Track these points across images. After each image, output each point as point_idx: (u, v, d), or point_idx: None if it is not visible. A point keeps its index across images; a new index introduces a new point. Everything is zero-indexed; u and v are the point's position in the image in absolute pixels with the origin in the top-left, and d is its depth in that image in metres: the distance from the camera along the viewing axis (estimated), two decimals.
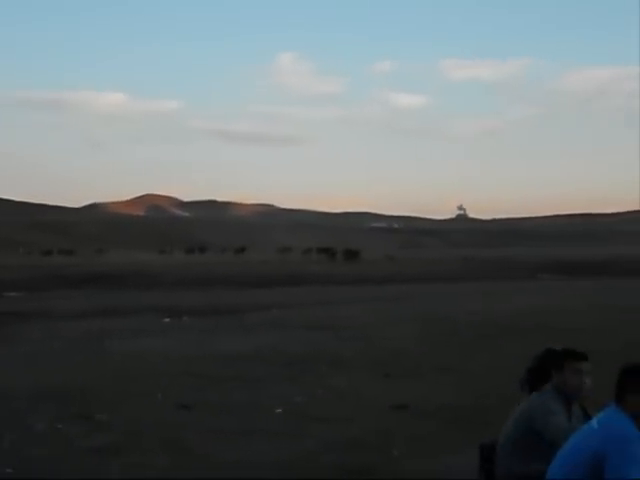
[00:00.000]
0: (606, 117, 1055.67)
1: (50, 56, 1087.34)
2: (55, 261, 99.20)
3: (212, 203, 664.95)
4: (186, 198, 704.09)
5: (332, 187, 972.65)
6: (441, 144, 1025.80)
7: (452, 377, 12.39)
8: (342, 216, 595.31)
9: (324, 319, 22.96)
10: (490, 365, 13.26)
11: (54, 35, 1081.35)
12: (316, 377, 12.59)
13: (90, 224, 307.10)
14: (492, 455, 4.82)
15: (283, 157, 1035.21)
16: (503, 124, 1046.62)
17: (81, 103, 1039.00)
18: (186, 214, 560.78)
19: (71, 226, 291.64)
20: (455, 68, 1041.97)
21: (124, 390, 11.54)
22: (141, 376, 12.76)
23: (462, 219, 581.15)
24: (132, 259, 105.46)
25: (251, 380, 12.34)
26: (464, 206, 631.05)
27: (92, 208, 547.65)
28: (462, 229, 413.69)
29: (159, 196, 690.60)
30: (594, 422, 3.85)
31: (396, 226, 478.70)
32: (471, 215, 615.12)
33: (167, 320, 24.58)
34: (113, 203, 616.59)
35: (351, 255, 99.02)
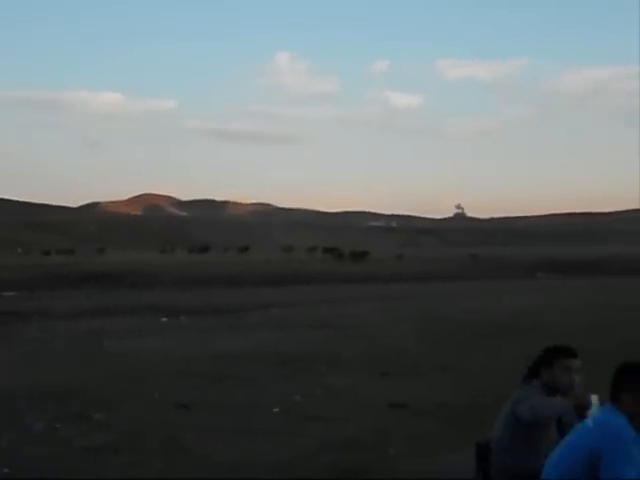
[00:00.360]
0: (604, 116, 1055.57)
1: (47, 56, 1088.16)
2: (54, 261, 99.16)
3: (210, 202, 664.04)
4: (184, 197, 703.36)
5: (330, 186, 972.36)
6: (439, 143, 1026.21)
7: (450, 376, 12.42)
8: (340, 215, 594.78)
9: (326, 318, 23.00)
10: (487, 364, 13.30)
11: (50, 35, 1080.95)
12: (315, 376, 12.61)
13: (88, 224, 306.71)
14: (488, 454, 4.86)
15: (280, 156, 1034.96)
16: (501, 124, 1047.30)
17: (78, 103, 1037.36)
18: (184, 213, 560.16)
19: (70, 226, 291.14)
20: (452, 68, 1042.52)
21: (122, 390, 11.55)
22: (139, 376, 12.76)
23: (460, 218, 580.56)
24: (131, 258, 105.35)
25: (249, 379, 12.35)
26: (462, 205, 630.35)
27: (90, 208, 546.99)
28: (460, 228, 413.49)
29: (157, 195, 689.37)
30: (589, 421, 3.87)
31: (394, 225, 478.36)
32: (469, 214, 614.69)
33: (164, 320, 24.58)
34: (111, 203, 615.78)
35: (359, 256, 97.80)
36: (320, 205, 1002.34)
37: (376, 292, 39.46)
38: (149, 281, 54.21)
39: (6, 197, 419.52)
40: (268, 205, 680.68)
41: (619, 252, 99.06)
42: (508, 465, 4.68)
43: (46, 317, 26.66)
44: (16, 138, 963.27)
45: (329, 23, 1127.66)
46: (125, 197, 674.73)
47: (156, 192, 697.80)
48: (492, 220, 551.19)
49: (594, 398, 4.17)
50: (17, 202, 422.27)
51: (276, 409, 10.06)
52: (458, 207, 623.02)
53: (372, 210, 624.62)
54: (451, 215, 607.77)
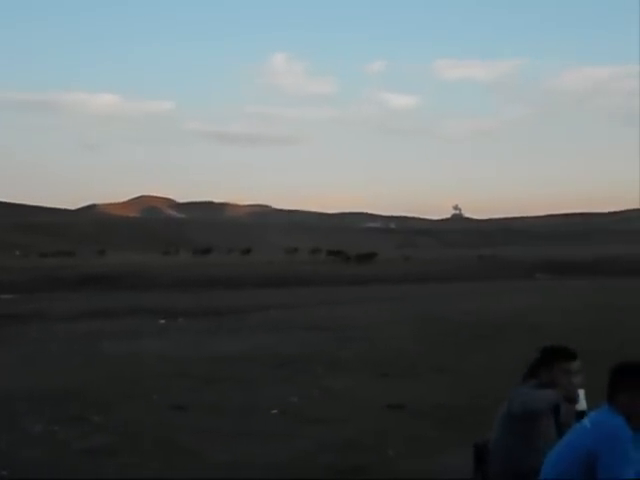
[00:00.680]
0: (604, 116, 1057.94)
1: (44, 58, 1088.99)
2: (52, 263, 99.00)
3: (208, 204, 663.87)
4: (181, 199, 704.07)
5: (327, 187, 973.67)
6: (436, 144, 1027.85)
7: (448, 377, 12.41)
8: (338, 216, 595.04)
9: (325, 319, 22.96)
10: (486, 365, 13.29)
11: (48, 37, 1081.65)
12: (312, 378, 12.61)
13: (86, 226, 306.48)
14: (486, 455, 4.86)
15: (278, 157, 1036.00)
16: (499, 124, 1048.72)
17: (76, 104, 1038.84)
18: (182, 215, 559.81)
19: (68, 228, 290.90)
20: (449, 68, 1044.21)
21: (121, 392, 11.55)
22: (138, 378, 12.76)
23: (458, 219, 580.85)
24: (130, 260, 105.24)
25: (247, 381, 12.35)
26: (460, 206, 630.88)
27: (88, 210, 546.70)
28: (458, 229, 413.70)
29: (155, 197, 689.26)
30: (587, 421, 3.87)
31: (392, 226, 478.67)
32: (467, 215, 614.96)
33: (163, 322, 24.55)
34: (109, 205, 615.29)
35: (365, 258, 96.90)
36: (318, 206, 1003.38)
37: (375, 294, 39.44)
38: (148, 283, 54.14)
39: (3, 199, 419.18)
40: (266, 206, 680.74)
41: (619, 252, 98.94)
42: (506, 465, 4.67)
43: (44, 319, 26.63)
44: (14, 140, 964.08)
45: (326, 23, 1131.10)
46: (123, 199, 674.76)
47: (154, 194, 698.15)
48: (490, 221, 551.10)
49: (581, 392, 4.31)
50: (15, 204, 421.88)
51: (274, 411, 10.06)
52: (456, 208, 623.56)
53: (370, 211, 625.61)
54: (449, 216, 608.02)
